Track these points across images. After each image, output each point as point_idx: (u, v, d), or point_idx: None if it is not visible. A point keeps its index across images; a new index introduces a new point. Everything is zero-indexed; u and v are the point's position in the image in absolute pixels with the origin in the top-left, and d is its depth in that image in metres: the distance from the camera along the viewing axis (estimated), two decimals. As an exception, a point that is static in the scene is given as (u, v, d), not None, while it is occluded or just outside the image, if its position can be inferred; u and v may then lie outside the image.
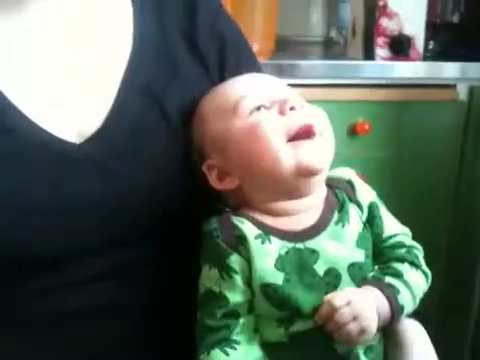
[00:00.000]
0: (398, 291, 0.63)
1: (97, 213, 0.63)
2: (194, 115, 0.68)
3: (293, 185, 0.62)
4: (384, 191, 0.71)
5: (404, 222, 0.71)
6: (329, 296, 0.60)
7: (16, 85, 0.64)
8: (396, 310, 0.63)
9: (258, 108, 0.63)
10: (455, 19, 1.55)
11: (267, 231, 0.62)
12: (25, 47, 0.65)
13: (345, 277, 0.62)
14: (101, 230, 0.64)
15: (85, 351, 0.66)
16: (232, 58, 0.74)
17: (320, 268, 0.61)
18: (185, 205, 0.66)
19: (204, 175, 0.66)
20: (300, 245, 0.62)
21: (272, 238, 0.62)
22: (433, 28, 1.45)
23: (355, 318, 0.59)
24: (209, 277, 0.62)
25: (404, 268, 0.66)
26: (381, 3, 1.35)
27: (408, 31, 1.36)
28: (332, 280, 0.61)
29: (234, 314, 0.61)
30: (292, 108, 0.62)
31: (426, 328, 0.72)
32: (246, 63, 0.75)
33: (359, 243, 0.63)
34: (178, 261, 0.67)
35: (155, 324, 0.68)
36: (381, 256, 0.67)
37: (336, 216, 0.64)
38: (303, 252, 0.61)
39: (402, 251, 0.67)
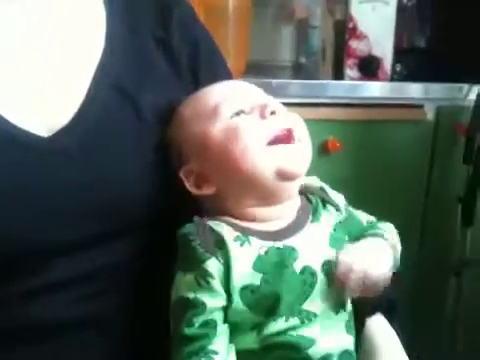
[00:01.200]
0: (383, 233, 0.67)
1: (64, 206, 0.62)
2: (173, 119, 0.68)
3: (271, 189, 0.63)
4: (355, 208, 0.73)
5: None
6: (340, 254, 0.62)
7: None
8: (393, 248, 0.66)
9: (237, 113, 0.63)
10: (422, 44, 1.60)
11: (246, 233, 0.61)
12: None
13: (321, 275, 0.62)
14: (70, 226, 0.63)
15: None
16: (205, 62, 0.74)
17: (298, 266, 0.61)
18: (154, 204, 0.65)
19: (181, 180, 0.65)
20: (279, 244, 0.62)
21: (251, 238, 0.61)
22: (401, 51, 1.50)
23: (370, 266, 0.61)
24: (184, 283, 0.60)
25: (378, 224, 0.70)
26: (351, 25, 1.39)
27: (377, 52, 1.40)
28: (308, 278, 0.61)
29: (212, 322, 0.59)
30: (273, 112, 0.63)
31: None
32: (219, 67, 0.77)
33: (332, 243, 0.64)
34: (150, 263, 0.66)
35: (136, 330, 0.66)
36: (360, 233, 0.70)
37: (310, 218, 0.65)
38: (283, 250, 0.61)
39: (374, 223, 0.71)
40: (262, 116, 0.62)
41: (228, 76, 0.77)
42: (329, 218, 0.66)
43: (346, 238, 0.67)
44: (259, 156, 0.61)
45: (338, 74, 1.45)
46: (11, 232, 0.60)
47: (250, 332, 0.61)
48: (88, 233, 0.64)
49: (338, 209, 0.67)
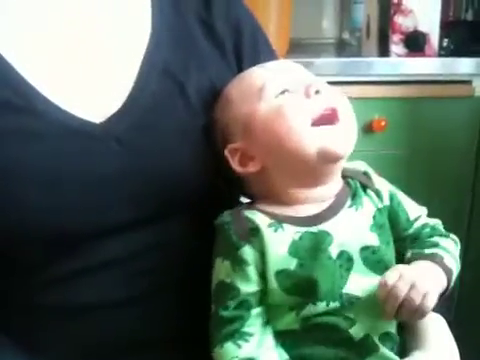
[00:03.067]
0: (442, 257, 0.64)
1: (116, 190, 0.64)
2: (218, 99, 0.69)
3: (315, 169, 0.63)
4: (400, 188, 0.71)
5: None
6: (381, 279, 0.59)
7: (39, 70, 0.66)
8: (447, 273, 0.63)
9: (282, 92, 0.64)
10: (469, 16, 1.55)
11: (279, 219, 0.62)
12: (48, 33, 0.67)
13: (358, 260, 0.61)
14: (121, 209, 0.64)
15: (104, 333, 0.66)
16: (248, 42, 0.75)
17: (333, 251, 0.61)
18: (202, 186, 0.66)
19: (226, 159, 0.66)
20: (314, 229, 0.62)
21: (285, 225, 0.62)
22: (447, 25, 1.46)
23: (412, 286, 0.58)
24: (222, 269, 0.63)
25: (437, 239, 0.67)
26: (396, 1, 1.36)
27: (423, 28, 1.36)
28: (344, 263, 0.61)
29: (246, 305, 0.61)
30: (317, 91, 0.63)
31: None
32: (262, 47, 0.77)
33: (372, 228, 0.63)
34: (202, 243, 0.67)
35: (172, 312, 0.67)
36: (411, 238, 0.67)
37: (349, 202, 0.65)
38: (317, 235, 0.62)
39: (428, 229, 0.68)
40: (307, 95, 0.62)
41: (272, 54, 0.78)
42: (369, 204, 0.65)
43: (388, 225, 0.66)
44: (303, 136, 0.61)
45: (383, 51, 1.42)
46: (66, 215, 0.63)
47: (290, 313, 0.61)
48: (138, 215, 0.65)
49: (379, 196, 0.66)
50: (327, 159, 0.62)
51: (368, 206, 0.65)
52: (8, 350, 0.67)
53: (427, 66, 1.38)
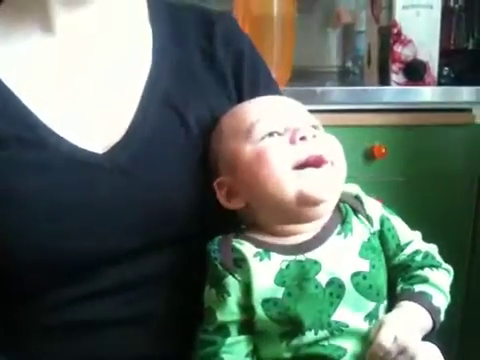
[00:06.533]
0: (431, 296, 0.64)
1: (116, 219, 0.66)
2: (213, 131, 0.70)
3: (295, 213, 0.63)
4: (402, 215, 0.71)
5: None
6: (377, 339, 0.59)
7: (43, 102, 0.68)
8: (435, 314, 0.63)
9: (270, 134, 0.64)
10: (470, 45, 1.57)
11: (267, 248, 0.63)
12: (49, 63, 0.69)
13: (349, 287, 0.62)
14: (119, 238, 0.66)
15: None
16: (249, 73, 0.76)
17: (322, 279, 0.61)
18: (199, 216, 0.68)
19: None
20: (301, 257, 0.62)
21: (272, 254, 0.63)
22: (448, 54, 1.48)
23: (402, 351, 0.59)
24: (208, 296, 0.65)
25: (427, 272, 0.66)
26: (395, 30, 1.38)
27: (422, 56, 1.38)
28: (335, 290, 0.61)
29: (223, 331, 0.63)
30: (303, 138, 0.63)
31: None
32: (263, 79, 0.78)
33: (363, 253, 0.63)
34: (194, 271, 0.68)
35: (179, 334, 0.68)
36: (401, 266, 0.67)
37: (338, 228, 0.65)
38: (304, 263, 0.62)
39: (419, 257, 0.67)
40: (292, 141, 0.63)
41: (272, 87, 0.79)
42: (360, 228, 0.66)
43: (380, 248, 0.66)
44: (282, 179, 0.62)
45: (384, 79, 1.44)
46: (67, 242, 0.65)
47: (280, 343, 0.62)
48: (135, 245, 0.67)
49: (370, 221, 0.67)
50: (305, 202, 0.62)
51: (358, 231, 0.65)
52: None
53: (427, 94, 1.39)
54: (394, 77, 1.40)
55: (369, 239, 0.65)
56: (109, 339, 0.67)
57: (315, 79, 1.69)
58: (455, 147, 1.43)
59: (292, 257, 0.63)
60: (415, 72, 1.37)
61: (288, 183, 0.62)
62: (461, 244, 1.46)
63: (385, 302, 0.65)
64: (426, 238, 0.71)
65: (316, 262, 0.62)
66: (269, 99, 0.71)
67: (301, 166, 0.62)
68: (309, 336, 0.61)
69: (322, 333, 0.61)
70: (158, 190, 0.67)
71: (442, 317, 0.65)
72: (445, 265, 0.68)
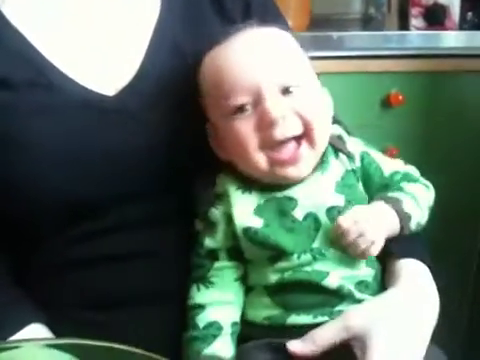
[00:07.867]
0: (402, 201, 0.67)
1: (125, 163, 0.67)
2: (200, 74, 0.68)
3: (272, 180, 0.66)
4: (417, 164, 0.72)
5: (437, 198, 0.72)
6: (338, 219, 0.63)
7: (53, 44, 0.69)
8: (403, 218, 0.66)
9: (241, 108, 0.63)
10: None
11: (248, 185, 0.66)
12: (60, 7, 0.70)
13: (324, 220, 0.64)
14: (126, 181, 0.68)
15: (118, 295, 0.70)
16: (257, 17, 0.74)
17: (299, 214, 0.64)
18: (211, 159, 0.68)
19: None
20: (278, 194, 0.65)
21: (252, 190, 0.66)
22: (471, -1, 1.43)
23: (361, 234, 0.62)
24: (198, 224, 0.69)
25: (403, 184, 0.69)
26: (415, -27, 1.35)
27: (443, 1, 1.35)
28: (311, 224, 0.64)
29: (210, 256, 0.67)
30: (272, 123, 0.62)
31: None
32: (271, 21, 0.76)
33: (338, 189, 0.66)
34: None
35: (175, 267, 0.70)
36: (381, 186, 0.69)
37: (317, 167, 0.66)
38: (281, 199, 0.65)
39: (398, 177, 0.70)
40: (259, 127, 0.63)
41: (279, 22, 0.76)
42: (338, 166, 0.68)
43: (359, 185, 0.68)
44: (255, 160, 0.64)
45: (404, 25, 1.41)
46: (83, 184, 0.66)
47: (268, 267, 0.65)
48: (142, 188, 0.68)
49: (350, 157, 0.68)
50: (278, 180, 0.65)
51: (335, 168, 0.67)
52: (27, 302, 0.71)
53: (447, 39, 1.36)
54: (414, 21, 1.37)
55: (345, 176, 0.67)
56: (128, 272, 0.69)
57: (336, 26, 1.66)
58: (475, 95, 1.39)
59: (270, 194, 0.66)
60: (435, 16, 1.34)
61: (261, 163, 0.64)
62: (475, 199, 1.44)
63: None
64: (439, 190, 0.72)
65: (291, 198, 0.65)
66: (241, 50, 0.66)
67: (276, 163, 0.64)
68: (293, 259, 0.64)
69: (305, 257, 0.64)
70: (164, 136, 0.68)
71: (413, 226, 0.67)
72: (423, 180, 0.71)
